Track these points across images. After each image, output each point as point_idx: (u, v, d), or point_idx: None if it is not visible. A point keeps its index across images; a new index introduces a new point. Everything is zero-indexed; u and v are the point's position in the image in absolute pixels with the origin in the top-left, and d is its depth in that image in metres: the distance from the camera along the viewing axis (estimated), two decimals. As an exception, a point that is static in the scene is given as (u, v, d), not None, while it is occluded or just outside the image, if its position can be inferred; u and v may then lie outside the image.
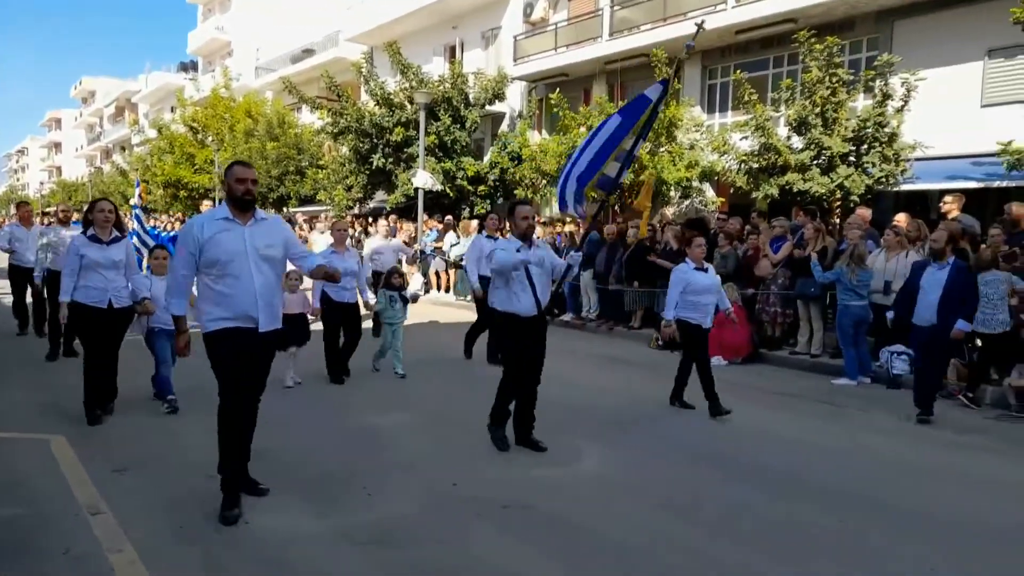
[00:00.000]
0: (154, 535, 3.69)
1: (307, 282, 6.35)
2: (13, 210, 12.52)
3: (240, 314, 3.84)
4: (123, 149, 49.67)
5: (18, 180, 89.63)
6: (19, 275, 9.54)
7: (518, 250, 5.08)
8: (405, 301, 7.76)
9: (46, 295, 8.61)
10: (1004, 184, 10.70)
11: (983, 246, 7.79)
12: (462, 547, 3.66)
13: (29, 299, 9.53)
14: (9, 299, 9.82)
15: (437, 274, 15.95)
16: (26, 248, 9.33)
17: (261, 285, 3.87)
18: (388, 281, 7.72)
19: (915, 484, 4.76)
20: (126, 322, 5.94)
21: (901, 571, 3.52)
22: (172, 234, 17.39)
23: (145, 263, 8.74)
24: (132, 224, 12.47)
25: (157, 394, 6.16)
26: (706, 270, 6.56)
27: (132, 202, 12.79)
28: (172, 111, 34.65)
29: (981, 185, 10.99)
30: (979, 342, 7.20)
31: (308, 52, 31.21)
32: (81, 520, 3.85)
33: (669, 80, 6.14)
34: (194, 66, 46.45)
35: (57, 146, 77.91)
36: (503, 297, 5.19)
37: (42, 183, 75.83)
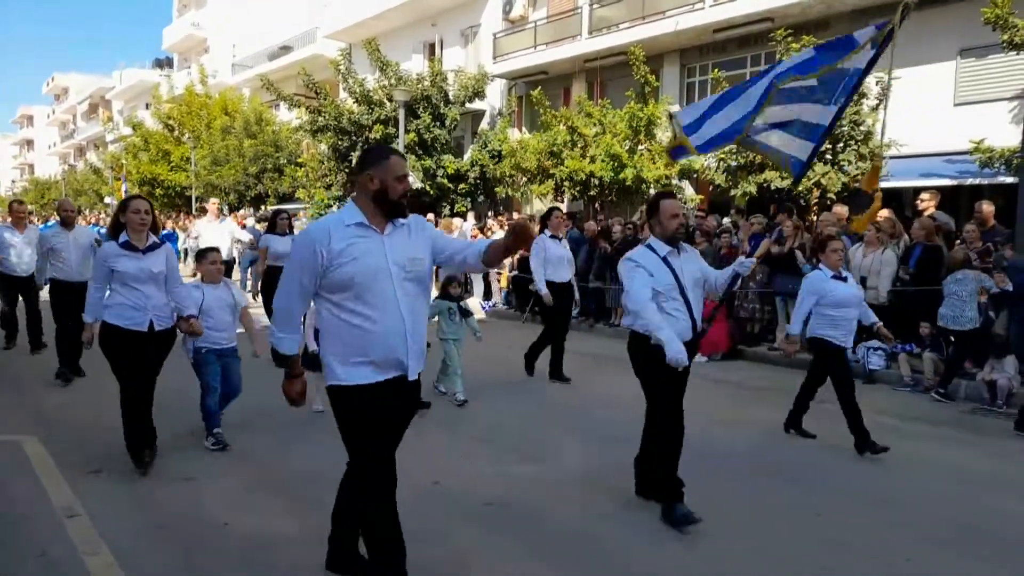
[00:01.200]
0: (131, 537, 3.64)
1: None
2: None
3: (386, 358, 2.84)
4: (97, 147, 48.92)
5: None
6: (11, 286, 8.22)
7: (665, 258, 3.95)
8: (465, 314, 6.70)
9: (52, 311, 7.24)
10: (976, 182, 10.90)
11: (957, 244, 7.94)
12: (445, 545, 3.65)
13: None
14: None
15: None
16: (20, 254, 8.06)
17: (408, 313, 2.86)
18: (444, 291, 6.68)
19: (885, 473, 4.83)
20: (169, 346, 4.82)
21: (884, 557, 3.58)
22: (164, 232, 17.05)
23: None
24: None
25: (204, 422, 5.15)
26: (845, 279, 5.50)
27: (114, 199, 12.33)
28: (147, 108, 34.18)
29: (954, 183, 11.17)
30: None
31: (285, 49, 30.92)
32: (56, 522, 3.79)
33: (889, 24, 4.33)
34: (169, 63, 45.86)
35: (29, 143, 76.52)
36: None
37: (14, 181, 74.44)
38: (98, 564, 3.35)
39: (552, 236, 7.49)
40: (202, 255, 5.27)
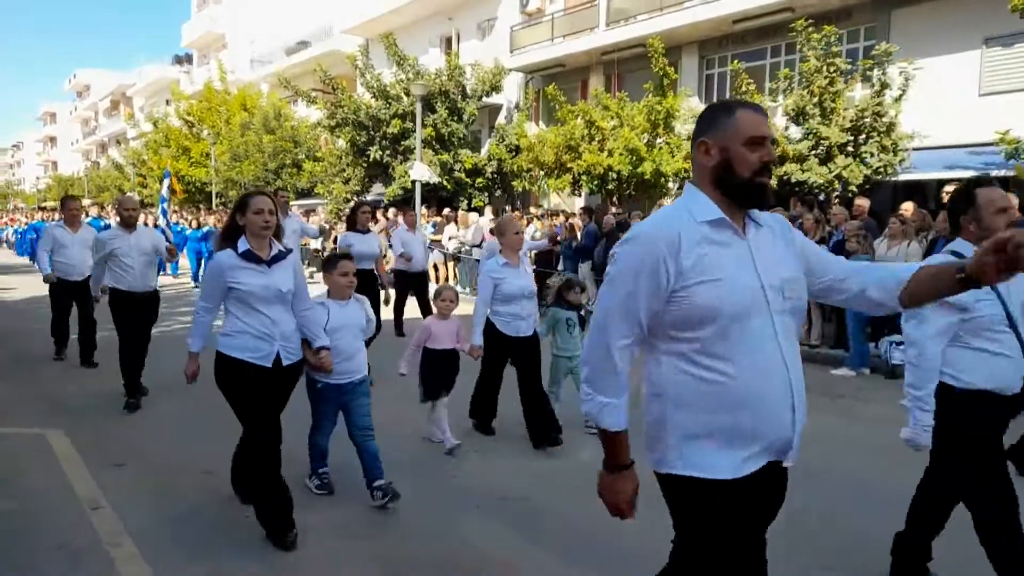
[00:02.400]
0: (154, 529, 3.69)
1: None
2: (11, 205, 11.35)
3: (762, 434, 1.83)
4: (119, 143, 49.48)
5: (14, 175, 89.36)
6: (64, 292, 7.52)
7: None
8: (583, 323, 5.52)
9: (116, 327, 6.18)
10: (1002, 173, 10.70)
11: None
12: (460, 538, 3.66)
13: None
14: (15, 294, 8.66)
15: (436, 267, 15.94)
16: (73, 257, 7.44)
17: (793, 365, 1.86)
18: (561, 296, 5.61)
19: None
20: (294, 383, 3.87)
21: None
22: (203, 231, 17.03)
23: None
24: (159, 220, 11.52)
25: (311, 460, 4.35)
26: None
27: (162, 194, 11.45)
28: (167, 104, 34.51)
29: (979, 175, 10.98)
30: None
31: (303, 44, 31.08)
32: (80, 514, 3.84)
33: None
34: (188, 59, 46.26)
35: (52, 140, 77.59)
36: (969, 361, 2.85)
37: (38, 178, 75.57)
38: (121, 555, 3.40)
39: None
40: (331, 263, 4.22)
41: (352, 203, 7.43)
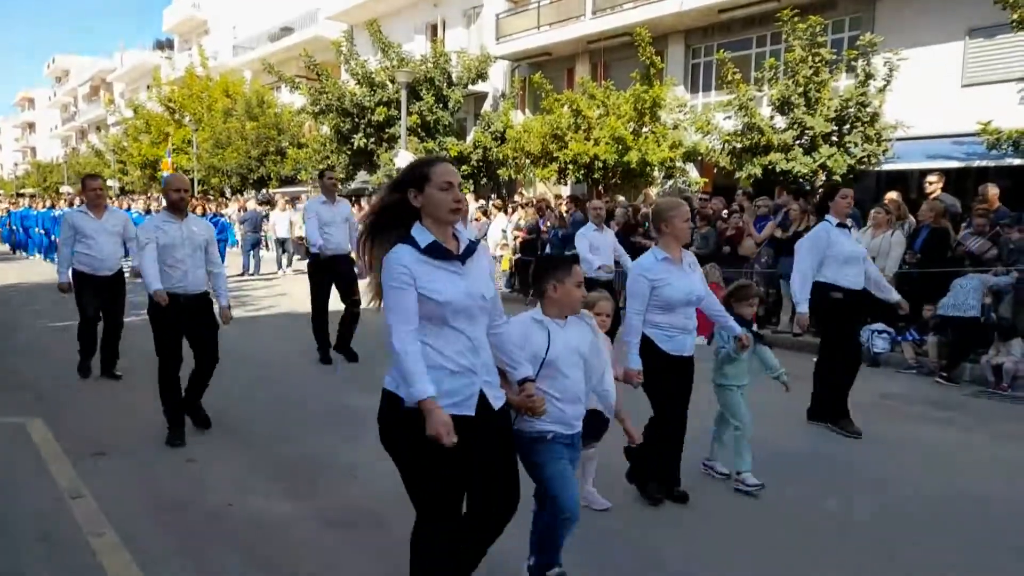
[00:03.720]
0: (136, 518, 3.65)
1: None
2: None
3: None
4: (99, 129, 48.78)
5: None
6: (92, 289, 6.31)
7: None
8: (759, 340, 4.41)
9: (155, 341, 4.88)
10: (984, 163, 10.81)
11: (963, 228, 7.95)
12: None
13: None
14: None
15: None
16: (100, 247, 6.27)
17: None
18: (729, 307, 4.30)
19: (880, 456, 4.82)
20: (510, 438, 2.69)
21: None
22: (219, 217, 16.68)
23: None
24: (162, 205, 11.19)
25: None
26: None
27: (165, 174, 10.81)
28: (148, 90, 34.06)
29: (961, 165, 11.09)
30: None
31: (286, 30, 30.71)
32: (61, 504, 3.80)
33: None
34: (170, 44, 45.58)
35: (31, 126, 76.35)
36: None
37: (16, 164, 74.38)
38: (103, 545, 3.36)
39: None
40: (560, 267, 2.93)
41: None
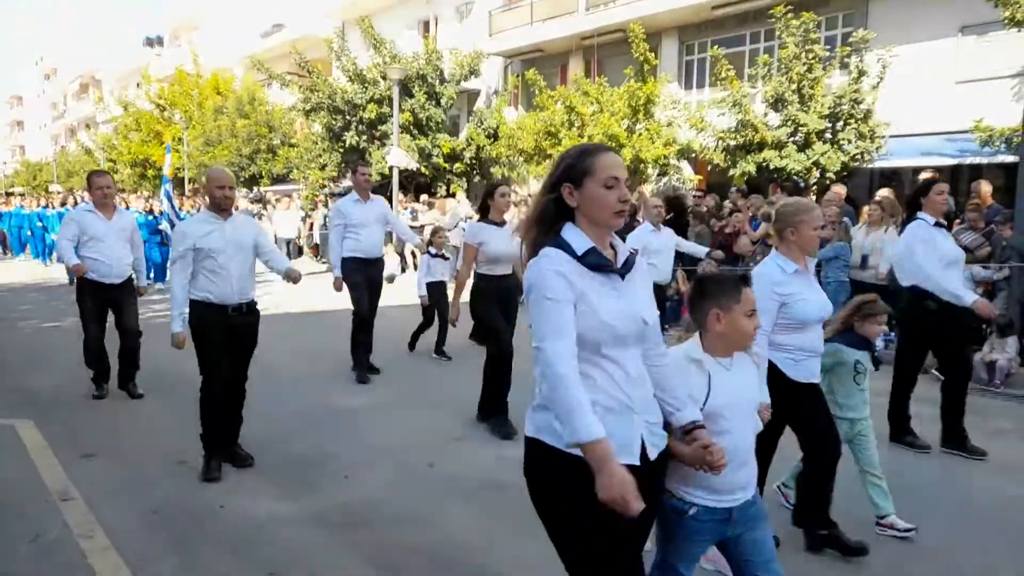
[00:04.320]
0: (126, 520, 3.61)
1: None
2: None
3: None
4: (88, 127, 48.44)
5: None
6: (100, 298, 5.75)
7: None
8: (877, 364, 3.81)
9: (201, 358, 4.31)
10: (976, 160, 10.84)
11: (957, 224, 7.94)
12: (437, 527, 3.62)
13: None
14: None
15: (413, 253, 15.81)
16: (109, 251, 5.68)
17: None
18: (849, 326, 3.66)
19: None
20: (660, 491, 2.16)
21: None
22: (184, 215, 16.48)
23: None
24: (163, 205, 10.32)
25: None
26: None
27: (164, 173, 10.06)
28: (138, 87, 33.82)
29: (954, 162, 11.12)
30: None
31: (278, 27, 30.57)
32: (51, 506, 3.75)
33: None
34: (160, 42, 45.31)
35: (20, 124, 75.80)
36: None
37: (5, 163, 73.86)
38: (93, 547, 3.31)
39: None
40: (724, 291, 2.28)
41: (490, 185, 5.51)
